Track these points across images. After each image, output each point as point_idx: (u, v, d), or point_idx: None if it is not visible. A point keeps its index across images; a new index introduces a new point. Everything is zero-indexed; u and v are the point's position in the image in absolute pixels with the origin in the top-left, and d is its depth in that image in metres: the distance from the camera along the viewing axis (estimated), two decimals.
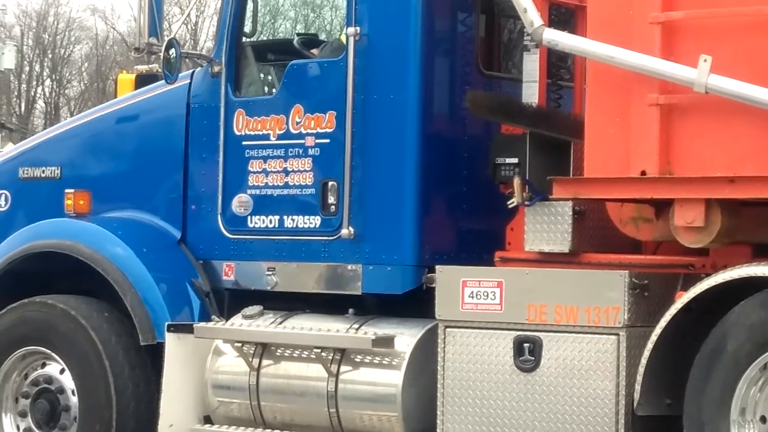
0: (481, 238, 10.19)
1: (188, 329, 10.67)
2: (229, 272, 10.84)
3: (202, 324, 10.72)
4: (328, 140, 10.38)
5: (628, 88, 9.22)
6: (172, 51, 11.09)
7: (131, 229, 11.07)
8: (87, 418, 10.91)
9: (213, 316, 10.71)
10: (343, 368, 10.15)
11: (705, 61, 8.63)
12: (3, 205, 11.97)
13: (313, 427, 10.36)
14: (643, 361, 9.07)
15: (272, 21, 11.04)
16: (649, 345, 9.05)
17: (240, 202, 10.65)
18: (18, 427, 11.45)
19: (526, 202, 9.84)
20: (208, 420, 10.71)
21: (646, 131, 9.09)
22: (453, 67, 10.34)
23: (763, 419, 9.04)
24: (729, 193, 8.86)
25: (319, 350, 10.20)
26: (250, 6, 10.98)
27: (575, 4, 10.04)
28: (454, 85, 10.28)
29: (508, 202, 9.88)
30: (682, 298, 8.94)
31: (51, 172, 11.70)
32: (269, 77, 10.82)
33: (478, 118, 10.22)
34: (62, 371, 11.17)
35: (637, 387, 9.08)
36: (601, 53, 9.21)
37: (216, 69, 10.80)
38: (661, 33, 9.03)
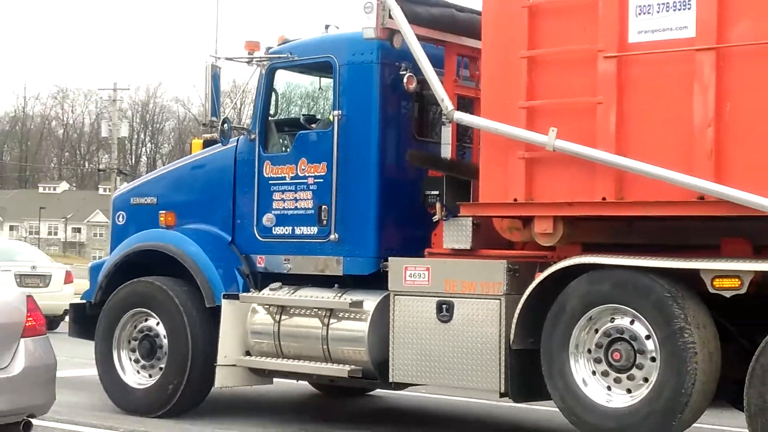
0: (416, 241, 10.48)
1: (235, 297, 11.00)
2: (260, 262, 11.17)
3: (244, 293, 11.07)
4: (321, 180, 10.71)
5: (506, 147, 9.49)
6: (226, 125, 11.40)
7: (200, 235, 11.31)
8: (173, 353, 11.14)
9: (251, 289, 10.98)
10: (331, 321, 10.49)
11: (552, 130, 8.96)
12: (121, 221, 12.22)
13: (312, 357, 10.59)
14: (516, 315, 9.35)
15: (287, 106, 11.21)
16: (519, 305, 9.36)
17: (267, 218, 11.01)
18: (131, 359, 11.50)
19: (444, 218, 10.17)
20: (248, 353, 10.88)
21: (517, 174, 9.35)
22: (398, 135, 10.65)
23: (588, 351, 9.15)
24: (567, 212, 9.13)
25: (316, 309, 10.60)
26: (273, 98, 11.16)
27: (472, 95, 10.31)
28: (399, 146, 10.61)
29: (433, 218, 10.28)
30: (539, 277, 9.33)
31: (150, 200, 11.96)
32: (285, 141, 11.10)
33: (414, 166, 10.48)
34: (157, 324, 11.37)
35: (512, 331, 9.29)
36: (489, 126, 9.54)
37: (252, 137, 11.13)
38: (526, 114, 9.28)
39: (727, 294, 8.38)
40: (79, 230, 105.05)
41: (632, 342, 8.83)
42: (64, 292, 24.07)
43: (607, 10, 8.78)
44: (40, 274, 24.37)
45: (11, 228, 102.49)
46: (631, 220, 9.23)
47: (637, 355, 8.80)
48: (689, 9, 8.44)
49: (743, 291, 8.28)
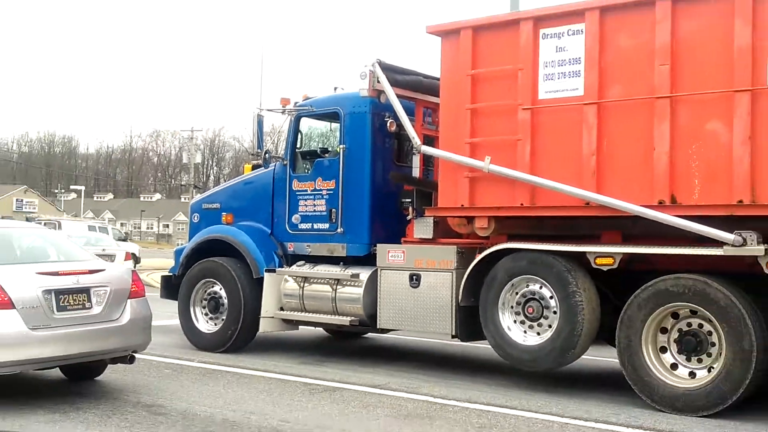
0: (396, 233, 10.31)
1: (273, 271, 10.92)
2: (290, 247, 11.05)
3: (279, 269, 10.93)
4: (332, 192, 10.59)
5: (456, 170, 9.39)
6: (267, 155, 11.39)
7: (249, 230, 11.21)
8: (231, 309, 10.93)
9: (284, 265, 10.94)
10: (338, 287, 10.38)
11: (487, 158, 8.98)
12: (196, 220, 12.12)
13: (325, 311, 10.42)
14: (462, 282, 9.31)
15: (308, 142, 11.20)
16: (465, 276, 9.32)
17: (295, 218, 10.91)
18: (203, 313, 11.51)
19: (414, 218, 10.08)
20: (281, 309, 10.83)
21: (463, 188, 9.26)
22: (383, 162, 10.45)
23: (511, 307, 9.08)
24: (497, 213, 9.10)
25: (328, 279, 10.49)
26: (299, 137, 11.15)
27: (434, 135, 10.15)
28: (384, 169, 10.44)
29: (407, 218, 10.24)
30: (478, 257, 9.26)
31: (216, 206, 11.88)
32: (307, 166, 10.99)
33: (395, 183, 10.33)
34: (221, 289, 11.18)
35: (460, 293, 9.29)
36: (445, 156, 9.45)
37: (285, 163, 11.07)
38: (469, 148, 9.23)
39: (605, 268, 8.39)
40: (167, 226, 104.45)
41: (541, 301, 8.84)
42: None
43: (524, 77, 8.77)
44: (109, 254, 26.08)
45: (121, 224, 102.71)
46: (540, 218, 9.12)
47: (544, 309, 8.81)
48: (579, 77, 8.48)
49: (615, 266, 8.32)
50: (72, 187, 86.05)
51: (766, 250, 7.41)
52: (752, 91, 7.46)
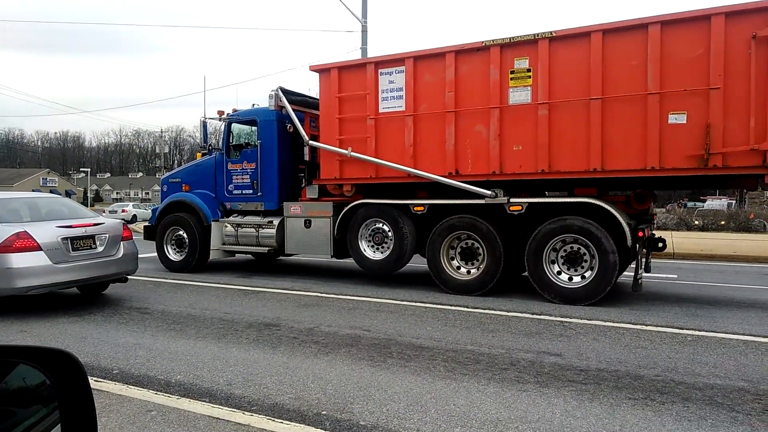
0: (295, 194, 10.08)
1: (217, 221, 10.58)
2: (228, 205, 10.63)
3: (222, 219, 10.59)
4: (254, 170, 10.20)
5: (331, 155, 9.29)
6: (211, 147, 11.05)
7: (201, 195, 10.72)
8: (191, 245, 10.65)
9: (224, 217, 10.66)
10: (260, 229, 10.14)
11: (350, 148, 9.02)
12: (165, 189, 11.56)
13: (252, 244, 10.20)
14: (336, 224, 9.38)
15: (237, 138, 10.85)
16: (337, 220, 9.38)
17: (231, 187, 10.54)
18: (172, 248, 10.99)
19: (306, 185, 10.03)
20: (224, 244, 10.53)
21: (336, 166, 9.27)
22: (285, 151, 9.99)
23: (366, 237, 9.14)
24: (355, 182, 9.16)
25: (253, 224, 10.25)
26: (230, 135, 10.76)
27: (317, 134, 9.75)
28: (286, 156, 10.05)
29: (301, 185, 10.18)
30: (345, 209, 9.31)
31: (177, 180, 11.29)
32: (237, 153, 10.64)
33: (293, 162, 10.10)
34: (183, 233, 10.81)
35: (335, 230, 9.34)
36: (324, 147, 9.32)
37: (222, 152, 10.63)
38: (339, 142, 9.20)
39: (419, 213, 8.59)
40: (147, 193, 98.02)
41: (383, 233, 9.00)
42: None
43: (370, 99, 8.79)
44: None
45: (116, 193, 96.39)
46: (382, 184, 9.01)
47: (385, 238, 8.99)
48: (402, 99, 8.59)
49: (425, 212, 8.52)
50: (81, 169, 80.00)
51: (507, 199, 7.94)
52: (500, 107, 7.84)
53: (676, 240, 16.09)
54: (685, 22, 6.69)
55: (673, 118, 6.81)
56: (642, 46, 6.89)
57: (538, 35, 7.49)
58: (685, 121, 6.75)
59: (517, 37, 7.63)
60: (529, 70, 7.60)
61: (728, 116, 6.55)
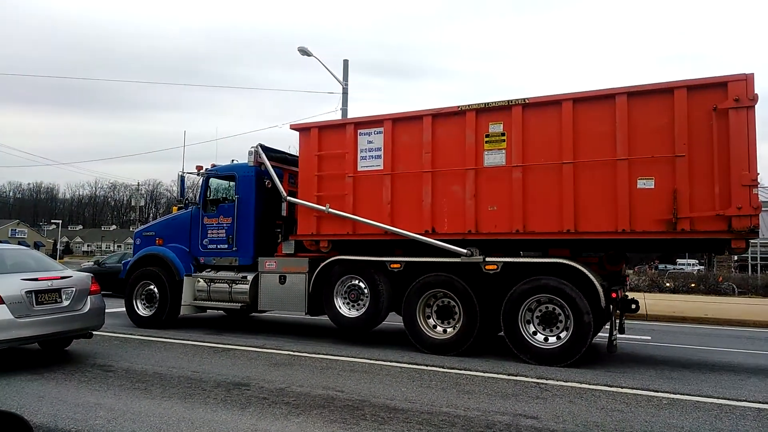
0: (270, 250, 9.93)
1: (189, 275, 10.36)
2: (201, 260, 10.44)
3: (194, 274, 10.39)
4: (229, 225, 10.12)
5: (309, 211, 9.22)
6: (187, 201, 11.00)
7: (175, 249, 10.52)
8: (161, 299, 10.38)
9: (196, 272, 10.45)
10: (233, 285, 9.98)
11: (327, 205, 9.03)
12: (138, 242, 11.33)
13: (224, 300, 9.99)
14: (312, 280, 9.23)
15: (215, 192, 10.82)
16: (313, 276, 9.24)
17: (205, 241, 10.42)
18: (142, 303, 10.69)
19: (282, 241, 9.94)
20: (195, 299, 10.30)
21: (313, 222, 9.22)
22: (263, 206, 10.01)
23: (342, 294, 9.00)
24: (332, 238, 9.09)
25: (226, 280, 10.05)
26: (208, 190, 10.71)
27: (295, 189, 9.68)
28: (264, 211, 10.09)
29: (278, 240, 10.08)
30: (321, 265, 9.18)
31: (152, 233, 11.13)
32: (214, 208, 10.56)
33: (269, 218, 10.03)
34: (154, 287, 10.49)
35: (310, 287, 9.19)
36: (302, 203, 9.30)
37: (199, 206, 10.51)
38: (317, 198, 9.19)
39: (396, 270, 8.51)
40: (120, 246, 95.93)
41: (359, 290, 8.86)
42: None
43: (349, 157, 8.86)
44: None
45: (87, 245, 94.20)
46: (358, 241, 8.91)
47: (360, 295, 8.85)
48: (380, 158, 8.66)
49: (402, 269, 8.44)
50: (53, 220, 78.20)
51: (483, 258, 7.94)
52: (476, 169, 7.98)
53: (648, 301, 16.23)
54: (650, 93, 7.01)
55: (641, 183, 7.01)
56: (610, 115, 7.15)
57: (511, 101, 7.75)
58: (653, 186, 6.95)
59: (492, 102, 7.89)
60: (503, 134, 7.81)
61: (694, 182, 6.75)
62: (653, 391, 6.02)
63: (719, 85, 6.67)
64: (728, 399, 5.75)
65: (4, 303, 6.38)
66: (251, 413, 4.97)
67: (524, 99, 7.69)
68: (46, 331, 6.73)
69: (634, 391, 5.98)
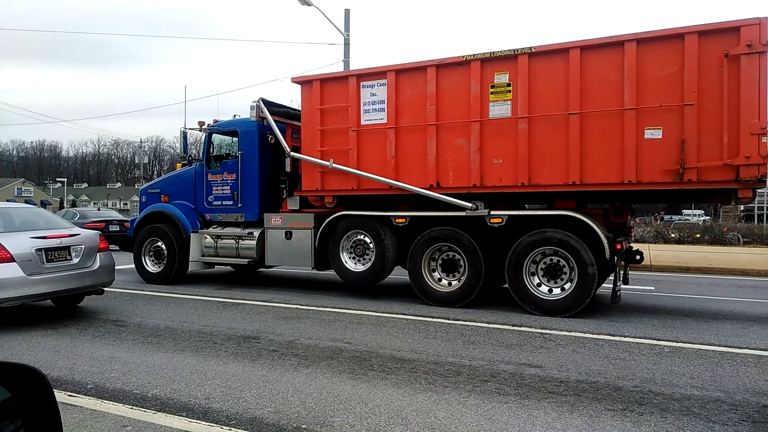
0: (276, 206, 10.02)
1: (196, 232, 10.45)
2: (207, 216, 10.53)
3: (201, 230, 10.47)
4: (234, 181, 10.13)
5: (313, 167, 9.23)
6: (191, 157, 10.94)
7: (180, 206, 10.60)
8: (169, 257, 10.52)
9: (203, 228, 10.54)
10: (239, 240, 10.07)
11: (331, 160, 8.99)
12: (144, 200, 11.46)
13: (231, 256, 10.09)
14: (317, 236, 9.31)
15: (218, 148, 10.77)
16: (318, 232, 9.32)
17: (210, 198, 10.44)
18: (150, 259, 10.88)
19: (288, 196, 9.97)
20: (203, 255, 10.39)
21: (317, 178, 9.23)
22: (267, 161, 9.95)
23: (348, 249, 9.07)
24: (337, 193, 9.12)
25: (233, 236, 10.12)
26: (212, 146, 10.67)
27: (298, 145, 9.60)
28: (268, 166, 9.99)
29: (283, 196, 10.13)
30: (327, 220, 9.25)
31: (157, 191, 11.17)
32: (217, 164, 10.55)
33: (274, 173, 10.07)
34: (162, 244, 10.63)
35: (316, 242, 9.28)
36: (306, 158, 9.25)
37: (202, 162, 10.51)
38: (320, 154, 9.15)
39: (401, 225, 8.58)
40: (126, 204, 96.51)
41: (364, 245, 8.95)
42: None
43: (352, 111, 8.77)
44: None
45: (94, 203, 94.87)
46: (363, 196, 8.96)
47: (366, 250, 8.94)
48: (384, 111, 8.57)
49: (407, 224, 8.50)
50: (57, 179, 78.38)
51: (488, 212, 7.97)
52: (481, 121, 7.89)
53: (653, 252, 16.34)
54: (660, 40, 6.84)
55: (649, 133, 6.94)
56: (618, 63, 7.01)
57: (517, 51, 7.58)
58: (660, 136, 6.88)
59: (498, 52, 7.73)
60: (509, 85, 7.68)
61: (702, 132, 6.68)
62: (655, 339, 6.09)
63: (732, 30, 6.49)
64: (729, 347, 5.81)
65: (15, 261, 6.48)
66: (262, 365, 5.10)
67: (530, 48, 7.51)
68: (58, 288, 6.85)
69: (637, 340, 6.05)
